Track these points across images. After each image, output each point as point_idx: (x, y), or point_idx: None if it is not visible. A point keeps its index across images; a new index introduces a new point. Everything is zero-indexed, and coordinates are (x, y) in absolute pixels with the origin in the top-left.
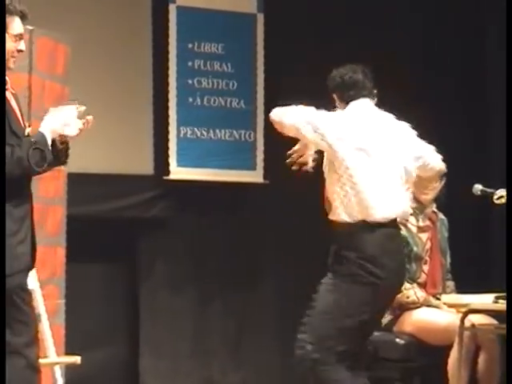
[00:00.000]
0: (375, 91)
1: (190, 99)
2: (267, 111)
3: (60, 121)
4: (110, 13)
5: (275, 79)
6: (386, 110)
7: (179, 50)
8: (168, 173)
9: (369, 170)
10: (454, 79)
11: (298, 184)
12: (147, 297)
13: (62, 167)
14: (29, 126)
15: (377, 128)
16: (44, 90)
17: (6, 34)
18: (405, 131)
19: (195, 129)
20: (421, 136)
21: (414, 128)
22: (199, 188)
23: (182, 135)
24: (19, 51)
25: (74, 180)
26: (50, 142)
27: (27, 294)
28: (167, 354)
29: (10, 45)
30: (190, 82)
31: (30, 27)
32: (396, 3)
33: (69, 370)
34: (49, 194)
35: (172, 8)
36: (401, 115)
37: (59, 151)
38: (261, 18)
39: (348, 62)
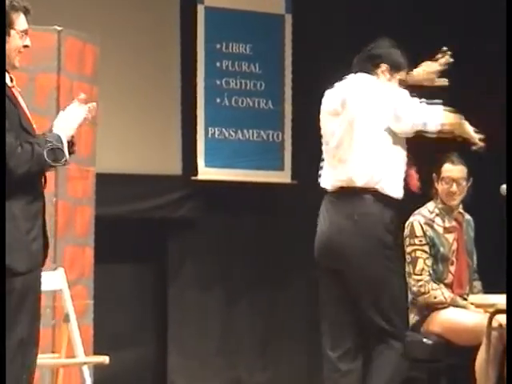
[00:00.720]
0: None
1: (218, 100)
2: (295, 112)
3: (70, 120)
4: (139, 13)
5: (303, 80)
6: None
7: (207, 51)
8: (196, 173)
9: None
10: (486, 79)
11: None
12: (175, 296)
13: (91, 167)
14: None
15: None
16: (72, 90)
17: (13, 31)
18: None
19: (223, 129)
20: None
21: None
22: (227, 188)
23: (209, 136)
24: (25, 47)
25: (103, 180)
26: (65, 142)
27: (38, 297)
28: (195, 354)
29: (16, 41)
30: (218, 82)
31: (59, 28)
32: (422, 8)
33: (97, 369)
34: (77, 194)
35: (200, 8)
36: None
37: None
38: (289, 18)
39: None
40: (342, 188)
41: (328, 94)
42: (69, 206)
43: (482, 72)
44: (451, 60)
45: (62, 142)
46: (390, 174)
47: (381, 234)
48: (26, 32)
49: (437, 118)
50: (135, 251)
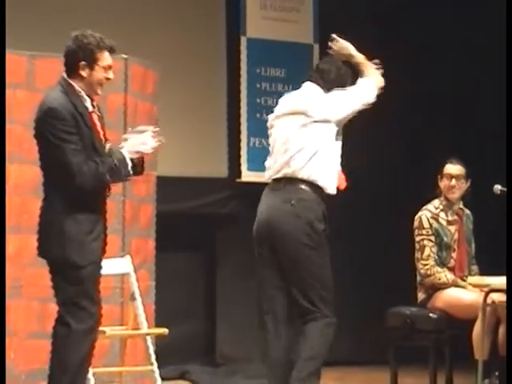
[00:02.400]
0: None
1: (258, 115)
2: None
3: (138, 142)
4: (192, 43)
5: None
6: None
7: (249, 74)
8: (240, 176)
9: None
10: (487, 83)
11: (353, 188)
12: (222, 279)
13: (153, 172)
14: (107, 140)
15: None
16: (137, 107)
17: (97, 66)
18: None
19: (262, 139)
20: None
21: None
22: None
23: (251, 145)
24: (107, 79)
25: (162, 182)
26: (129, 162)
27: (98, 282)
28: (240, 327)
29: (100, 75)
30: (258, 100)
31: (125, 56)
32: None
33: (158, 340)
34: (141, 194)
35: (243, 39)
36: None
37: (136, 164)
38: (316, 47)
39: (398, 89)
40: (283, 179)
41: (281, 99)
42: (134, 204)
43: None
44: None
45: (126, 163)
46: (327, 173)
47: (312, 219)
48: (109, 67)
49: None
50: (189, 241)
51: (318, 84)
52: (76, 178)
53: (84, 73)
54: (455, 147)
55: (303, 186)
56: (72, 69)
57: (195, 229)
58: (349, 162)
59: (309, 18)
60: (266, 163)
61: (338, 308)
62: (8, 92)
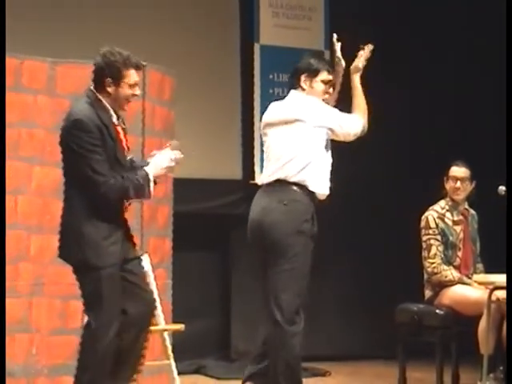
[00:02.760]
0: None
1: None
2: None
3: (160, 167)
4: (207, 51)
5: (340, 105)
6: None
7: (262, 80)
8: (253, 178)
9: None
10: (488, 85)
11: (362, 188)
12: (236, 277)
13: (170, 174)
14: (128, 150)
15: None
16: (154, 112)
17: (122, 83)
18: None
19: None
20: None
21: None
22: None
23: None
24: (134, 95)
25: (179, 184)
26: (152, 181)
27: (118, 282)
28: (253, 323)
29: (126, 92)
30: None
31: (144, 63)
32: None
33: (175, 335)
34: (158, 195)
35: (256, 46)
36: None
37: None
38: (327, 53)
39: (406, 95)
40: (276, 181)
41: (271, 107)
42: (152, 205)
43: None
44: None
45: (148, 181)
46: (318, 177)
47: (301, 219)
48: (135, 84)
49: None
50: (204, 241)
51: (302, 89)
52: (101, 188)
53: (110, 89)
54: (458, 148)
55: (295, 188)
56: (99, 84)
57: (211, 229)
58: (357, 163)
59: (320, 26)
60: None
61: (349, 306)
62: (29, 97)
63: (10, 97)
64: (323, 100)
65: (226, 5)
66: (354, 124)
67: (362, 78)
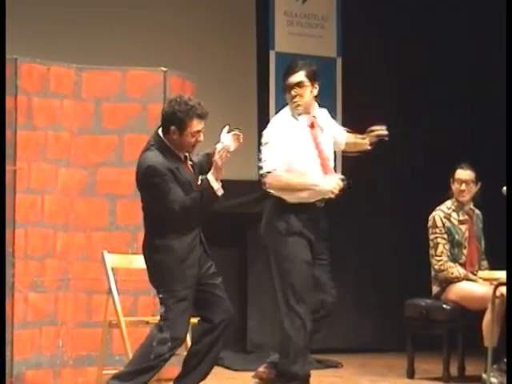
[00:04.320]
0: None
1: None
2: None
3: (219, 165)
4: (225, 57)
5: (351, 109)
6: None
7: (277, 85)
8: None
9: None
10: (496, 90)
11: (368, 185)
12: (253, 273)
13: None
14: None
15: None
16: None
17: (186, 132)
18: None
19: None
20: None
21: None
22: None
23: None
24: (197, 141)
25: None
26: (214, 184)
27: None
28: (269, 317)
29: (188, 139)
30: None
31: (164, 69)
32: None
33: (193, 328)
34: None
35: (272, 53)
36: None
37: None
38: (339, 60)
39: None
40: None
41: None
42: None
43: None
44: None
45: (210, 187)
46: None
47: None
48: (198, 132)
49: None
50: (223, 239)
51: None
52: (175, 206)
53: (174, 136)
54: (466, 149)
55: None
56: (164, 130)
57: (229, 227)
58: (368, 162)
59: (332, 34)
60: None
61: (361, 302)
62: (56, 102)
63: (37, 101)
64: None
65: (243, 14)
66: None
67: (377, 79)
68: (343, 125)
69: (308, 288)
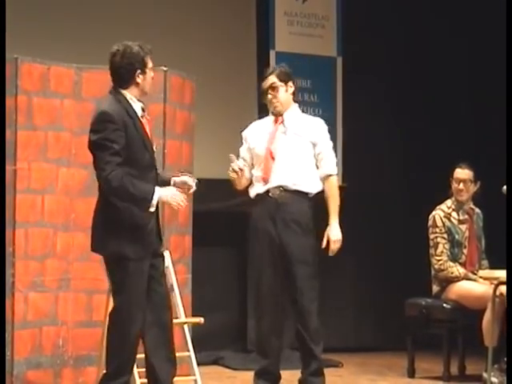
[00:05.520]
0: None
1: None
2: (345, 132)
3: (170, 194)
4: (226, 57)
5: (351, 106)
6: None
7: None
8: None
9: None
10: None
11: (373, 185)
12: (253, 273)
13: (190, 174)
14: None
15: None
16: (175, 116)
17: (147, 70)
18: None
19: None
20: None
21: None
22: None
23: None
24: (152, 78)
25: (198, 183)
26: (154, 204)
27: (158, 271)
28: None
29: (149, 77)
30: None
31: (165, 68)
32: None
33: (194, 328)
34: None
35: (272, 53)
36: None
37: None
38: (340, 60)
39: (418, 95)
40: None
41: None
42: None
43: None
44: None
45: (151, 200)
46: None
47: None
48: (152, 68)
49: None
50: (223, 238)
51: None
52: (106, 173)
53: (139, 79)
54: (466, 148)
55: None
56: (128, 79)
57: (229, 226)
58: (369, 161)
59: (333, 34)
60: None
61: (361, 301)
62: (56, 101)
63: (37, 101)
64: None
65: (243, 13)
66: None
67: (377, 78)
68: (344, 124)
69: None
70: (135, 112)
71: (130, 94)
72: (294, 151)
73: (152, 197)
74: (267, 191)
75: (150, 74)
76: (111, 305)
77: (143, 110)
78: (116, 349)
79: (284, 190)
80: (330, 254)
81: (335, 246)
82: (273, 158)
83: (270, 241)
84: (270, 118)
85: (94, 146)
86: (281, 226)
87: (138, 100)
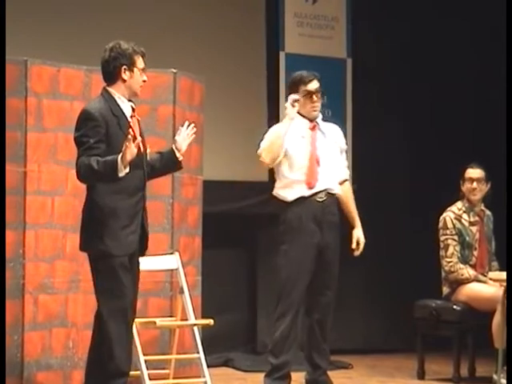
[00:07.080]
0: None
1: None
2: (354, 132)
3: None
4: (235, 58)
5: (360, 107)
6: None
7: (287, 86)
8: None
9: None
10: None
11: (383, 187)
12: (263, 275)
13: (199, 176)
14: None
15: None
16: (184, 117)
17: (135, 69)
18: None
19: None
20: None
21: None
22: None
23: None
24: (144, 81)
25: (208, 186)
26: (121, 166)
27: (129, 272)
28: None
29: (138, 77)
30: None
31: (174, 70)
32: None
33: (204, 330)
34: (189, 196)
35: (282, 54)
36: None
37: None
38: (349, 61)
39: (427, 96)
40: None
41: None
42: (182, 206)
43: None
44: None
45: (116, 163)
46: None
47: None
48: (144, 70)
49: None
50: (233, 240)
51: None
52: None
53: (125, 76)
54: (476, 149)
55: None
56: (114, 75)
57: (238, 228)
58: (380, 162)
59: (342, 35)
60: None
61: (371, 302)
62: (66, 103)
63: (47, 103)
64: None
65: (252, 15)
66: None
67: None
68: (354, 126)
69: None
70: (122, 111)
71: (118, 93)
72: (332, 156)
73: (116, 160)
74: (312, 195)
75: (138, 73)
76: None
77: (133, 109)
78: (115, 343)
79: (328, 193)
80: (357, 254)
81: (362, 248)
82: (318, 164)
83: (312, 243)
84: (302, 122)
85: (75, 144)
86: (326, 228)
87: (129, 100)
